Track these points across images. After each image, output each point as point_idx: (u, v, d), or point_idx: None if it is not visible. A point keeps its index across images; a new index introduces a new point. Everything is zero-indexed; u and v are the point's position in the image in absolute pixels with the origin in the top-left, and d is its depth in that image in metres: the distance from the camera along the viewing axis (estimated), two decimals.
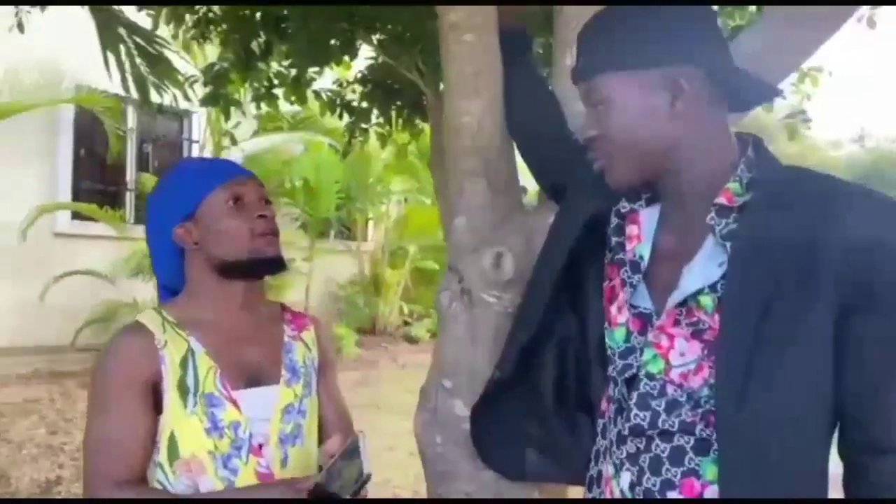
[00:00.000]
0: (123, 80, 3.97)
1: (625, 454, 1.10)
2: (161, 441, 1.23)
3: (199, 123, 8.13)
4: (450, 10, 1.62)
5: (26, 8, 3.33)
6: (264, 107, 3.69)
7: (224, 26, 3.23)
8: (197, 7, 3.30)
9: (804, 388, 0.95)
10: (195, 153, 8.08)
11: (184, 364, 1.26)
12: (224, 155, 7.76)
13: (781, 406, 0.95)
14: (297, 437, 1.34)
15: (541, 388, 1.30)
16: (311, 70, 3.32)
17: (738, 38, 1.43)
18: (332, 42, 2.57)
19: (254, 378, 1.31)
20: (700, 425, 1.03)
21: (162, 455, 1.23)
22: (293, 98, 3.31)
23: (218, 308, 1.33)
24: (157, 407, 1.24)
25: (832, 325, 0.95)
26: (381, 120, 3.22)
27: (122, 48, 3.92)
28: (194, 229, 1.32)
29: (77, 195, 7.05)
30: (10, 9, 3.46)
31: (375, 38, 2.73)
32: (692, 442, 1.03)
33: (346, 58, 2.89)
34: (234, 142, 4.28)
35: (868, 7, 3.05)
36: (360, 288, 9.48)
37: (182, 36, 3.65)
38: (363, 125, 3.44)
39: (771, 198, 1.00)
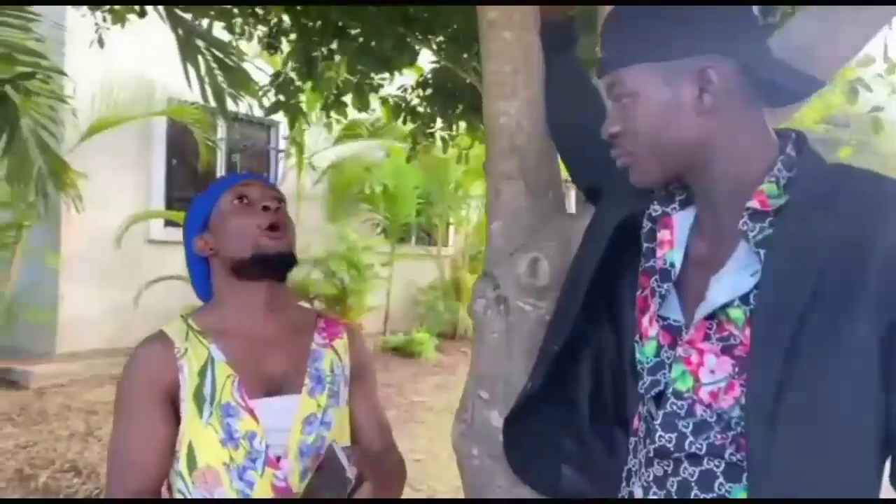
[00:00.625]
0: (203, 91, 4.13)
1: (652, 476, 1.03)
2: (181, 450, 1.23)
3: (284, 133, 8.36)
4: (489, 8, 1.58)
5: (106, 24, 3.48)
6: (334, 115, 3.75)
7: (293, 36, 3.30)
8: (268, 17, 3.39)
9: (843, 410, 0.86)
10: (281, 162, 8.31)
11: (202, 373, 1.25)
12: (304, 164, 7.96)
13: (817, 429, 0.86)
14: (320, 448, 1.29)
15: (576, 402, 1.23)
16: (379, 77, 3.36)
17: (788, 27, 1.32)
18: (387, 46, 2.56)
19: (275, 387, 1.28)
20: (730, 449, 0.94)
21: (182, 464, 1.23)
22: (359, 105, 3.34)
23: (242, 314, 1.32)
24: (177, 416, 1.24)
25: (878, 342, 0.84)
26: (443, 124, 3.20)
27: (200, 60, 4.08)
28: (210, 237, 1.35)
29: (169, 203, 7.36)
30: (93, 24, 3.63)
31: (434, 41, 2.71)
32: (722, 466, 0.95)
33: (408, 63, 2.88)
34: (300, 150, 4.33)
35: None
36: (441, 293, 9.50)
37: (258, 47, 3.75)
38: (428, 130, 3.44)
39: (811, 200, 0.91)
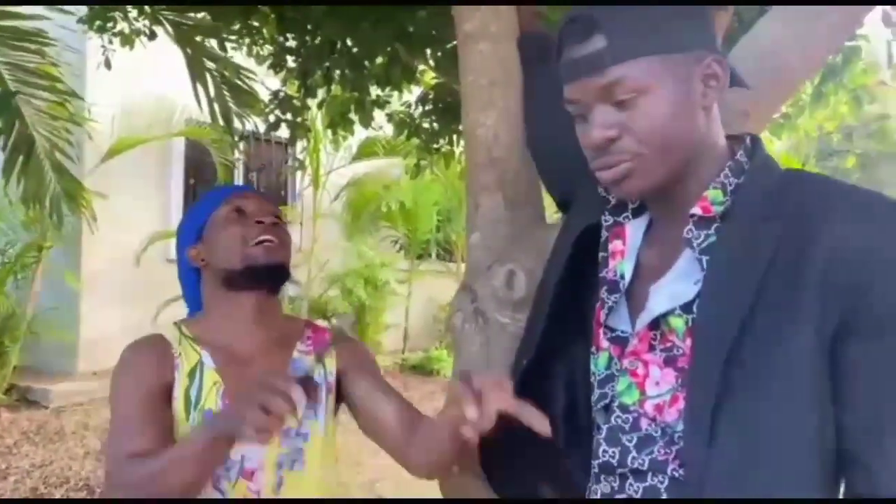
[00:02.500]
0: (211, 110, 4.19)
1: (600, 494, 0.99)
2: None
3: (295, 152, 8.43)
4: (466, 20, 1.58)
5: (112, 46, 3.54)
6: (341, 132, 3.77)
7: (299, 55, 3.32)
8: (273, 36, 3.42)
9: (783, 423, 0.82)
10: (298, 180, 8.37)
11: (192, 375, 1.27)
12: (322, 181, 8.01)
13: (755, 443, 0.82)
14: (297, 460, 1.29)
15: (550, 418, 1.19)
16: (384, 94, 3.37)
17: (754, 30, 1.28)
18: (380, 62, 2.56)
19: None
20: (673, 465, 0.90)
21: None
22: (362, 122, 3.35)
23: (229, 325, 1.33)
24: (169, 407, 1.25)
25: (823, 351, 0.81)
26: (445, 139, 3.20)
27: (209, 79, 4.14)
28: (202, 248, 1.35)
29: None
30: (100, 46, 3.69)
31: (430, 57, 2.71)
32: (666, 482, 0.91)
33: (406, 79, 2.89)
34: (302, 167, 4.39)
35: None
36: None
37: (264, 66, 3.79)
38: (433, 145, 3.43)
39: (755, 207, 0.88)
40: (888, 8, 2.37)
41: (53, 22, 4.37)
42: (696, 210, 0.91)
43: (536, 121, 1.50)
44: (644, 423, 0.94)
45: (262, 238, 1.30)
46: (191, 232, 1.37)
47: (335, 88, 3.35)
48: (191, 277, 1.40)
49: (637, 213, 1.03)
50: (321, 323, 1.51)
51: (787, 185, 0.89)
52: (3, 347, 5.86)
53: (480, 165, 1.55)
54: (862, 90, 2.65)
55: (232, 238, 1.30)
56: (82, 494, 4.28)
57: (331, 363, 1.38)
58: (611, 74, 0.89)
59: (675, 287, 0.91)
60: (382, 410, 1.34)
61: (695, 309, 0.88)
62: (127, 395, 1.24)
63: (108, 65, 3.70)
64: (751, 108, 1.27)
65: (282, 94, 3.27)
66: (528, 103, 1.51)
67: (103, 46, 3.60)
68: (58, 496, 4.23)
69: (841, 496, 0.87)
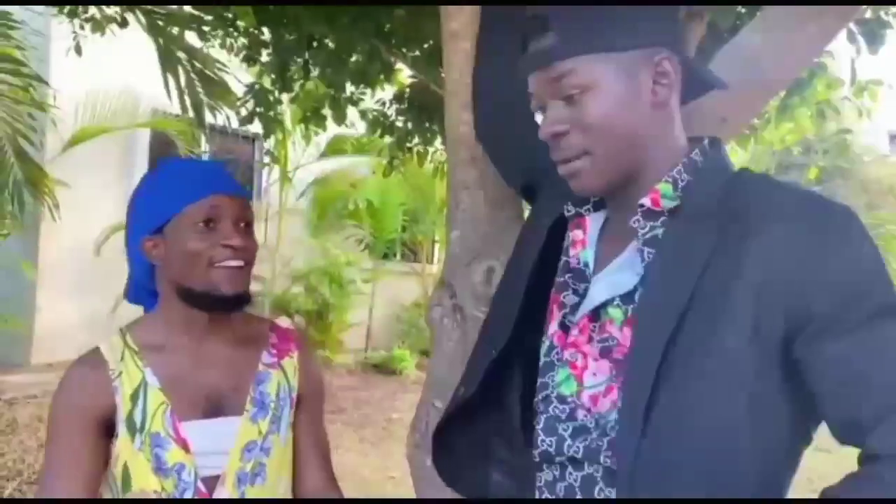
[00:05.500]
0: (181, 101, 4.13)
1: (543, 481, 1.01)
2: (116, 468, 1.19)
3: (270, 146, 8.36)
4: (451, 19, 1.59)
5: (84, 32, 3.48)
6: (313, 127, 3.76)
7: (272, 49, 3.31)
8: (248, 28, 3.39)
9: (716, 419, 0.85)
10: (265, 175, 8.29)
11: (134, 398, 1.19)
12: (291, 178, 7.95)
13: (689, 437, 0.85)
14: (258, 475, 1.23)
15: (508, 407, 1.19)
16: (358, 91, 3.36)
17: (737, 38, 1.33)
18: (355, 58, 2.57)
19: (214, 407, 1.22)
20: (605, 453, 0.92)
21: (118, 482, 1.19)
22: (336, 118, 3.35)
23: (184, 331, 1.24)
24: (111, 435, 1.20)
25: (763, 352, 0.84)
26: (419, 139, 3.21)
27: (180, 71, 4.09)
28: (162, 244, 1.21)
29: None
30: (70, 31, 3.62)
31: (409, 55, 2.72)
32: (601, 471, 0.93)
33: (383, 76, 2.89)
34: (275, 161, 4.34)
35: None
36: (424, 310, 9.46)
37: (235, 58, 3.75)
38: (406, 144, 3.44)
39: (700, 204, 0.91)
40: (852, 25, 2.45)
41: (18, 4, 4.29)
42: (646, 201, 0.94)
43: (489, 107, 1.46)
44: (580, 413, 0.96)
45: (227, 264, 1.19)
46: (150, 218, 1.22)
47: (309, 83, 3.34)
48: (143, 267, 1.25)
49: (598, 206, 1.05)
50: (283, 321, 1.40)
51: (732, 185, 0.93)
52: None
53: (462, 163, 1.57)
54: (826, 104, 2.75)
55: (195, 256, 1.18)
56: (35, 487, 4.18)
57: (294, 377, 1.33)
58: (557, 69, 0.94)
59: (616, 277, 0.94)
60: (303, 454, 1.34)
61: (636, 299, 0.91)
62: (61, 428, 1.19)
63: (78, 51, 3.63)
64: (728, 112, 1.31)
65: (256, 87, 3.25)
66: (480, 86, 1.48)
67: (74, 32, 3.53)
68: (10, 489, 4.14)
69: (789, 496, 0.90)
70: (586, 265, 1.02)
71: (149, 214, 1.23)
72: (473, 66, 1.50)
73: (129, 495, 1.18)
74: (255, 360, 1.29)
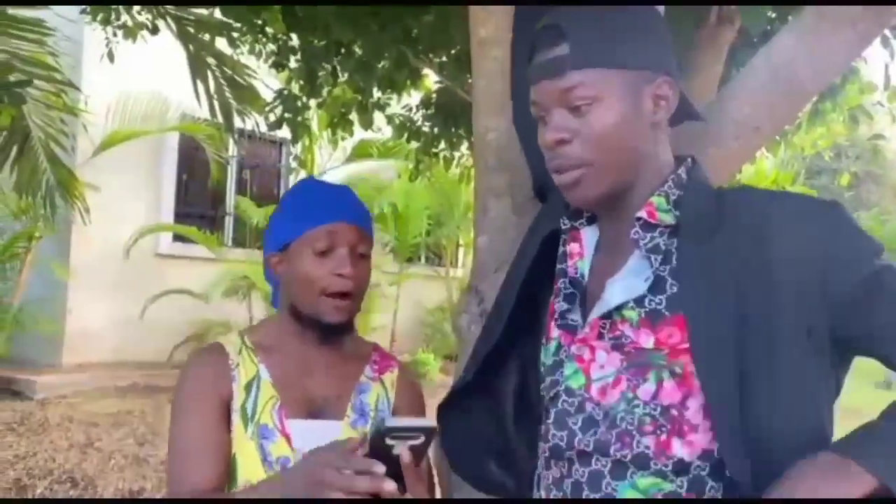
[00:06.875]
0: (211, 106, 4.18)
1: (550, 479, 1.05)
2: None
3: (297, 151, 8.43)
4: (480, 26, 1.59)
5: (117, 39, 3.54)
6: (341, 132, 3.79)
7: (300, 55, 3.34)
8: (276, 35, 3.43)
9: (802, 424, 0.92)
10: (291, 180, 8.36)
11: (248, 388, 1.27)
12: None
13: (782, 448, 0.89)
14: None
15: (502, 399, 1.23)
16: (385, 96, 3.38)
17: (771, 44, 1.32)
18: (383, 64, 2.58)
19: (317, 410, 1.28)
20: (615, 445, 0.96)
21: None
22: (363, 123, 3.37)
23: (296, 340, 1.31)
24: (230, 424, 1.25)
25: (818, 350, 0.92)
26: (446, 144, 3.22)
27: (210, 76, 4.14)
28: (285, 262, 1.30)
29: (179, 218, 7.42)
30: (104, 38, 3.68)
31: (436, 61, 2.73)
32: (609, 465, 0.97)
33: (410, 82, 2.91)
34: (302, 166, 4.36)
35: None
36: (448, 314, 9.47)
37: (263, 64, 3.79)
38: (432, 150, 3.45)
39: (704, 216, 0.98)
40: (887, 31, 2.41)
41: (51, 11, 4.36)
42: (642, 214, 0.99)
43: (518, 99, 1.46)
44: (588, 406, 1.00)
45: (337, 291, 1.25)
46: (278, 237, 1.31)
47: (336, 89, 3.36)
48: (272, 276, 1.36)
49: (591, 220, 1.10)
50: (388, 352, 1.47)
51: (723, 198, 1.00)
52: None
53: (490, 169, 1.57)
54: (858, 109, 2.71)
55: (309, 281, 1.25)
56: (66, 487, 4.26)
57: (391, 390, 1.38)
58: (569, 79, 0.97)
59: (628, 282, 0.99)
60: None
61: (646, 303, 0.97)
62: (189, 411, 1.25)
63: (111, 57, 3.69)
64: (762, 120, 1.30)
65: (286, 92, 3.28)
66: (515, 82, 1.49)
67: (107, 38, 3.59)
68: (41, 488, 4.21)
69: None
70: (582, 276, 1.07)
71: (276, 233, 1.33)
72: (510, 63, 1.51)
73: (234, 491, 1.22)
74: (359, 372, 1.36)
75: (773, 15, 2.29)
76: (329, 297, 1.25)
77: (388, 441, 1.00)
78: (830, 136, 3.25)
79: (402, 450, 1.01)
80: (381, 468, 1.00)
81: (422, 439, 1.02)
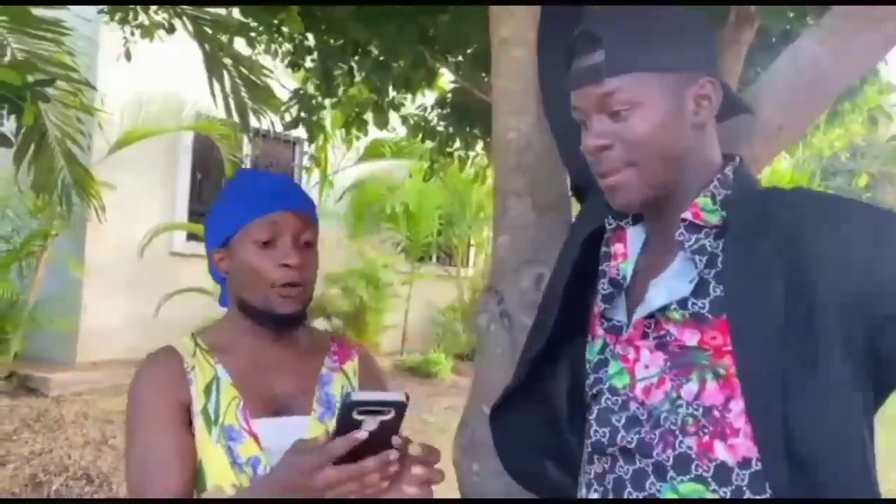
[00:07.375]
0: (226, 105, 4.20)
1: (593, 474, 1.06)
2: None
3: (311, 150, 8.45)
4: (501, 26, 1.60)
5: (134, 38, 3.56)
6: (355, 132, 3.79)
7: (316, 55, 3.34)
8: (292, 35, 3.44)
9: (841, 433, 0.91)
10: (305, 179, 8.38)
11: (207, 391, 1.22)
12: (329, 181, 8.03)
13: (825, 458, 0.90)
14: None
15: (555, 399, 1.24)
16: (400, 96, 3.39)
17: (795, 45, 1.32)
18: (404, 64, 2.59)
19: (282, 407, 1.25)
20: (658, 447, 0.97)
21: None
22: (378, 123, 3.38)
23: (251, 338, 1.28)
24: (190, 429, 1.20)
25: (857, 363, 0.91)
26: (461, 143, 3.22)
27: (225, 76, 4.16)
28: (228, 258, 1.27)
29: (193, 217, 7.45)
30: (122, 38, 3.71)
31: (453, 60, 2.73)
32: (651, 467, 0.97)
33: (427, 82, 2.91)
34: (317, 164, 4.38)
35: None
36: (459, 314, 9.47)
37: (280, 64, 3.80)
38: (447, 149, 3.46)
39: (752, 218, 0.97)
40: None
41: (69, 10, 4.38)
42: (687, 215, 0.99)
43: (557, 101, 1.48)
44: (633, 405, 1.01)
45: (286, 282, 1.22)
46: (219, 232, 1.28)
47: (353, 88, 3.37)
48: (217, 274, 1.32)
49: (637, 219, 1.10)
50: (346, 339, 1.46)
51: (770, 199, 0.99)
52: (5, 335, 5.86)
53: (510, 170, 1.57)
54: (878, 110, 2.69)
55: (255, 274, 1.22)
56: (81, 483, 4.29)
57: (354, 378, 1.36)
58: (606, 85, 0.97)
59: (673, 283, 0.99)
60: None
61: (690, 305, 0.97)
62: (147, 418, 1.19)
63: (128, 56, 3.72)
64: (786, 120, 1.30)
65: (302, 92, 3.29)
66: (548, 84, 1.51)
67: (124, 38, 3.61)
68: (56, 484, 4.24)
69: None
70: (624, 277, 1.07)
71: (216, 228, 1.28)
72: (537, 55, 1.52)
73: (204, 495, 1.18)
74: (319, 365, 1.33)
75: (792, 14, 2.27)
76: (277, 288, 1.22)
77: (357, 416, 0.96)
78: (848, 137, 3.22)
79: (371, 425, 0.97)
80: (362, 434, 0.96)
81: (392, 414, 0.98)
